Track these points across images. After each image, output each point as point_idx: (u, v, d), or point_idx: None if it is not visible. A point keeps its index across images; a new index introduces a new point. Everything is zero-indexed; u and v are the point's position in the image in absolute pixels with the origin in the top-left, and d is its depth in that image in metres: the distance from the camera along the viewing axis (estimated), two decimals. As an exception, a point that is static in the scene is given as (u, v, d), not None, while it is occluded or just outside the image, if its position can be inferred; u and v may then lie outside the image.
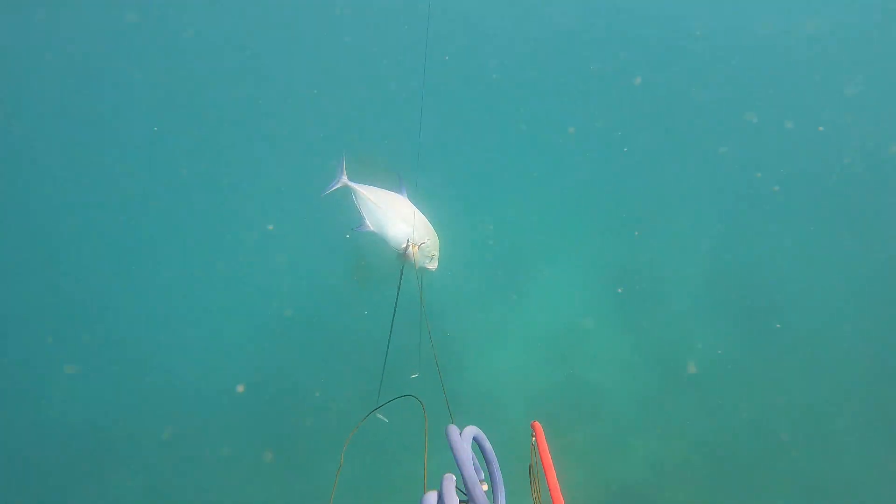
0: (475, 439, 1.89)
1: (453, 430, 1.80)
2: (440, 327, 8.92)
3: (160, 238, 10.72)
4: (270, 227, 10.56)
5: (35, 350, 9.51)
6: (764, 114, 12.14)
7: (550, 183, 11.55)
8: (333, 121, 12.08)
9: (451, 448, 1.73)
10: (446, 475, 1.64)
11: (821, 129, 12.07)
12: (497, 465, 1.87)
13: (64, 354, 9.38)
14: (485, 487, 1.73)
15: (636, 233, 10.41)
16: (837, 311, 9.44)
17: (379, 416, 3.33)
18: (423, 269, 5.05)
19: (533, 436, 2.11)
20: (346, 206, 5.33)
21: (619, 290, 9.55)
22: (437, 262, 5.22)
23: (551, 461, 1.98)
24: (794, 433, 8.21)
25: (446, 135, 11.99)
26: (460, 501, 1.60)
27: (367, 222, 5.18)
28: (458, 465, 1.70)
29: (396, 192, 5.18)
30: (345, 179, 5.29)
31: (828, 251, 10.25)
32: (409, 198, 5.17)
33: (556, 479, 1.88)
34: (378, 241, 5.20)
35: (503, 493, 1.85)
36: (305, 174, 10.28)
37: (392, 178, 5.34)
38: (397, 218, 5.06)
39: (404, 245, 4.96)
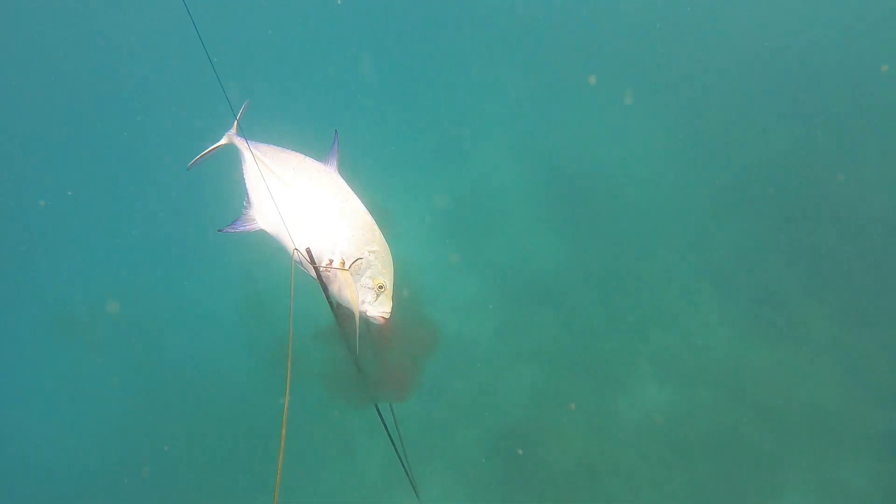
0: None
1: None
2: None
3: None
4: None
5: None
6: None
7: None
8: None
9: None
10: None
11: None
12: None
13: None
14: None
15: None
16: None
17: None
18: (364, 318, 2.77)
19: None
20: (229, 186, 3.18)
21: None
22: (389, 299, 2.79)
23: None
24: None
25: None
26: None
27: (253, 212, 2.93)
28: None
29: (320, 163, 2.93)
30: (232, 135, 3.15)
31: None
32: (343, 175, 2.93)
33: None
34: (274, 250, 2.96)
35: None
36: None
37: (313, 139, 3.42)
38: (314, 197, 2.83)
39: (325, 261, 2.73)
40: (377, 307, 2.76)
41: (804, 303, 9.00)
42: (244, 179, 3.03)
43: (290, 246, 2.74)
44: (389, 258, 2.82)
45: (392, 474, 7.75)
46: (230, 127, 3.18)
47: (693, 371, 8.33)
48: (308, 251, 2.67)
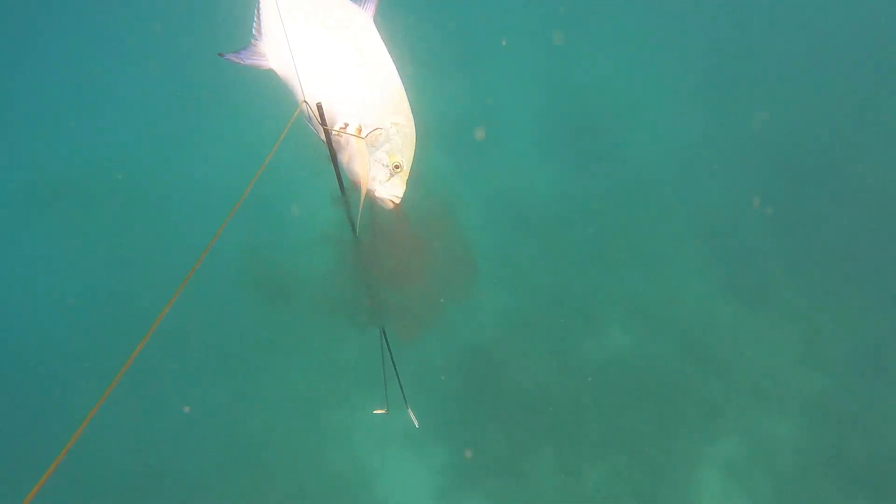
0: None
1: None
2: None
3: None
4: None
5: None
6: None
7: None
8: None
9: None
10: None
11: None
12: None
13: None
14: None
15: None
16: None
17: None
18: (370, 196, 2.40)
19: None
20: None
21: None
22: (403, 182, 2.39)
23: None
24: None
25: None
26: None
27: (262, 46, 2.43)
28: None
29: (353, 2, 2.37)
30: None
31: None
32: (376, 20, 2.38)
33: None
34: (281, 100, 2.49)
35: None
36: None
37: None
38: (334, 44, 2.31)
39: (339, 123, 2.30)
40: (389, 188, 2.35)
41: (779, 272, 9.17)
42: (257, 12, 2.46)
43: (298, 96, 2.29)
44: (413, 135, 2.37)
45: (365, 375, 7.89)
46: None
47: (660, 320, 8.56)
48: (319, 107, 2.18)
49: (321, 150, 2.32)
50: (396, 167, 2.35)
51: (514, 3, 12.18)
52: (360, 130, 2.28)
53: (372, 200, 2.42)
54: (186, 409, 7.79)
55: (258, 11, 2.45)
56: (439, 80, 10.36)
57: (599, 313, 8.62)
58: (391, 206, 2.41)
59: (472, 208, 9.39)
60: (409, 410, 3.11)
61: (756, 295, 8.87)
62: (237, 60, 2.41)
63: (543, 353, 8.21)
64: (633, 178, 9.87)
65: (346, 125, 2.29)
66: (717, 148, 10.45)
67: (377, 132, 2.30)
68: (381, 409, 3.25)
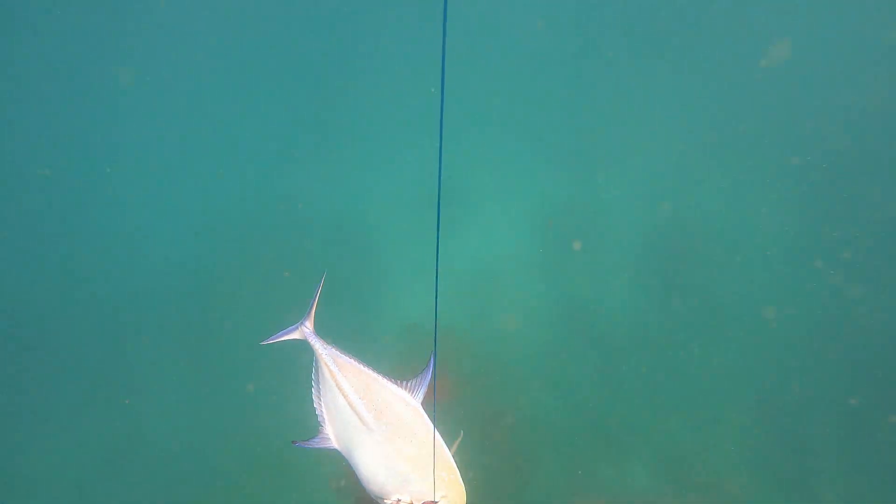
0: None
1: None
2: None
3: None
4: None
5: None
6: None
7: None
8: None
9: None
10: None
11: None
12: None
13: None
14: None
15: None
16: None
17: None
18: None
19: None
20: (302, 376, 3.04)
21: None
22: None
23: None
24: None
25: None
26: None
27: (328, 431, 2.91)
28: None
29: (404, 393, 2.85)
30: (306, 328, 3.05)
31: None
32: (426, 405, 2.84)
33: None
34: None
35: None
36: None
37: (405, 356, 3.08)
38: (393, 443, 2.75)
39: (394, 498, 2.73)
40: None
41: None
42: (319, 391, 2.94)
43: (361, 480, 2.79)
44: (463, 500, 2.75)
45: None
46: (307, 316, 3.02)
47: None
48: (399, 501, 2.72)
49: None
50: None
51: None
52: None
53: None
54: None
55: (321, 399, 2.97)
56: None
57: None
58: None
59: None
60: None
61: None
62: (309, 447, 2.92)
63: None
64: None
65: (399, 500, 2.68)
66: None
67: None
68: None
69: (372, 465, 2.75)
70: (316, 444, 2.94)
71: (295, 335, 3.11)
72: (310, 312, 3.09)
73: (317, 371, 3.00)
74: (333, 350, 2.97)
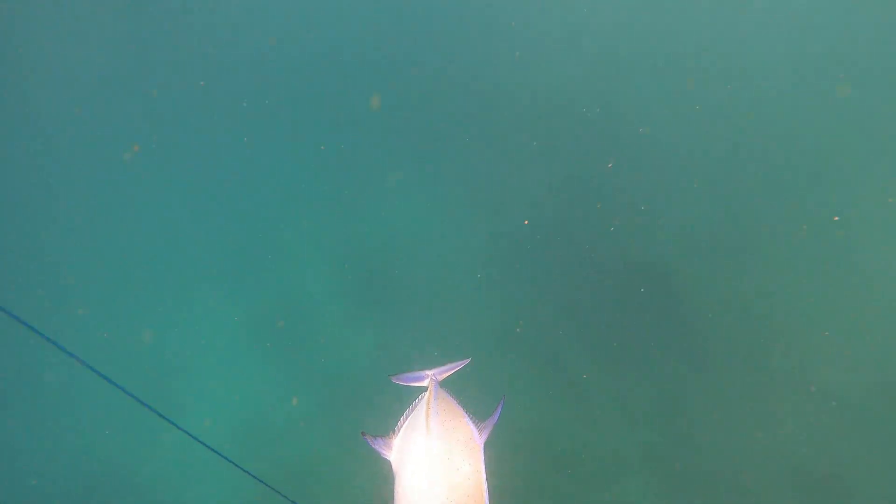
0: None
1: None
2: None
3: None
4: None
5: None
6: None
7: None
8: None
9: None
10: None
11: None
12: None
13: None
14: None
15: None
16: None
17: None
18: None
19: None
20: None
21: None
22: None
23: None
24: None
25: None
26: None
27: (394, 442, 3.22)
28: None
29: (474, 431, 3.16)
30: (434, 381, 3.45)
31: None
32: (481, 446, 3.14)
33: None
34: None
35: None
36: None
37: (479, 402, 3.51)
38: (443, 464, 2.97)
39: None
40: None
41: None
42: (412, 410, 3.31)
43: (399, 495, 3.00)
44: None
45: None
46: (438, 371, 3.56)
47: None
48: None
49: None
50: None
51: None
52: None
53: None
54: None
55: (408, 416, 3.31)
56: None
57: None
58: None
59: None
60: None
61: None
62: (371, 443, 3.20)
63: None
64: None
65: None
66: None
67: None
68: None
69: (414, 480, 2.96)
70: (379, 445, 3.24)
71: (423, 383, 3.56)
72: (444, 372, 3.59)
73: (420, 398, 3.39)
74: (444, 391, 3.41)
